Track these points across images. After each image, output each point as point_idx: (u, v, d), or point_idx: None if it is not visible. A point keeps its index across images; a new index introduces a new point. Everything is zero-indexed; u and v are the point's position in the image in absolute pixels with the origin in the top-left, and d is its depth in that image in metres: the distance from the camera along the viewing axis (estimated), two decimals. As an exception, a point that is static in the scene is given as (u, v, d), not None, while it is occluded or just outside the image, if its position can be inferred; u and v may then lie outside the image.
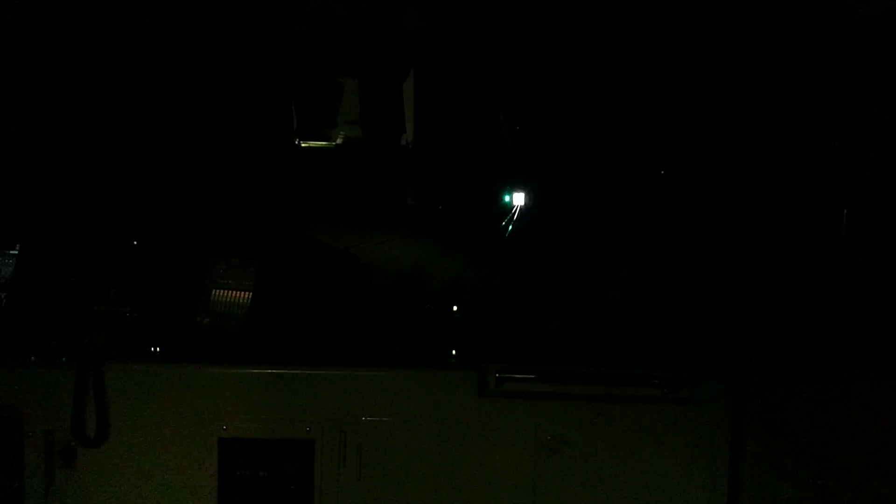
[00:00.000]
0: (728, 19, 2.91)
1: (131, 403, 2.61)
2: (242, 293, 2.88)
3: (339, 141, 3.60)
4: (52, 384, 2.59)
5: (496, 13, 3.08)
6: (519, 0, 3.00)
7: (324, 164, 3.63)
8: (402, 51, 3.47)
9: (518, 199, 3.53)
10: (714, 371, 2.74)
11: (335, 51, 3.45)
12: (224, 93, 3.47)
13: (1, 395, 2.59)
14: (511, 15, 3.09)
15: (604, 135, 3.50)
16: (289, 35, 3.27)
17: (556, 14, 3.07)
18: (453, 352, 2.99)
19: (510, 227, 3.48)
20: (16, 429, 2.59)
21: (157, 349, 2.81)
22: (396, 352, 3.04)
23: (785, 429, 2.45)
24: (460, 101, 3.56)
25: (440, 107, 3.57)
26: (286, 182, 3.53)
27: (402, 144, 3.60)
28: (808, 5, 2.50)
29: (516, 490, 2.68)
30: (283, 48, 3.40)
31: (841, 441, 2.17)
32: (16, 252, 2.95)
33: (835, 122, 2.40)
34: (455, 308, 3.26)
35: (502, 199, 3.56)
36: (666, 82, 3.33)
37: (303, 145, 3.59)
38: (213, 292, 2.91)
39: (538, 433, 2.67)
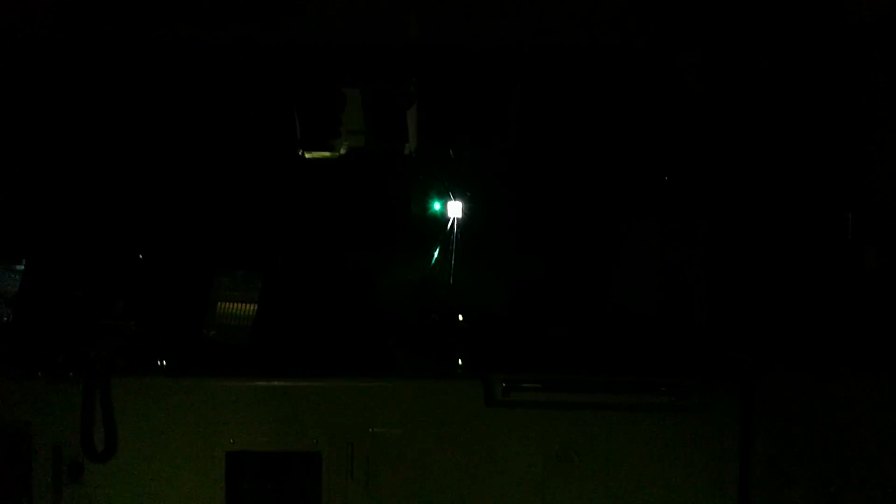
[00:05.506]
0: (729, 22, 2.91)
1: (138, 417, 2.61)
2: (248, 305, 2.89)
3: (343, 151, 3.60)
4: (60, 399, 2.59)
5: (500, 21, 3.09)
6: (521, 7, 3.00)
7: (328, 174, 3.63)
8: (406, 59, 3.47)
9: (454, 209, 3.29)
10: (722, 377, 2.72)
11: (340, 60, 3.46)
12: (229, 104, 3.48)
13: (8, 410, 2.60)
14: (513, 22, 3.09)
15: (607, 140, 3.49)
16: (294, 45, 3.29)
17: (558, 20, 3.08)
18: (459, 361, 2.98)
19: (448, 239, 3.35)
20: (23, 444, 2.59)
21: (164, 362, 2.81)
22: (402, 362, 3.04)
23: (794, 434, 2.44)
24: (463, 107, 3.56)
25: (445, 114, 3.57)
26: (290, 192, 3.53)
27: (406, 153, 3.59)
28: (809, 6, 2.49)
29: (525, 500, 2.66)
30: (287, 58, 3.41)
31: (851, 446, 2.15)
32: (22, 267, 2.96)
33: (838, 124, 2.40)
34: (460, 317, 3.25)
35: (431, 209, 3.35)
36: (668, 87, 3.32)
37: (307, 156, 3.59)
38: (219, 305, 2.93)
39: (546, 442, 2.66)
